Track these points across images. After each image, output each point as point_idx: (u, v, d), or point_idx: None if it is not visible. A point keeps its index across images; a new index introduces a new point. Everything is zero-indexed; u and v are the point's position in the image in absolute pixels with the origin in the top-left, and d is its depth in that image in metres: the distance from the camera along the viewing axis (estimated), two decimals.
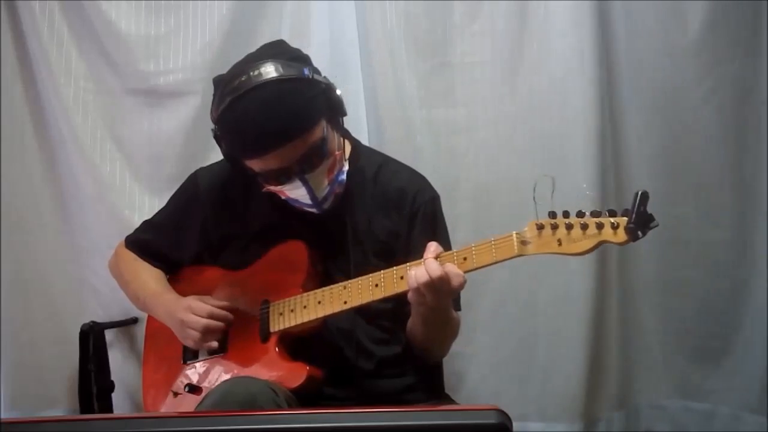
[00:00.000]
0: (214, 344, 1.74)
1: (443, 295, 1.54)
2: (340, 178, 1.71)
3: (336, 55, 2.24)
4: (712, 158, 2.21)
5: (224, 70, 2.29)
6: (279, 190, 1.68)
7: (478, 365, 2.28)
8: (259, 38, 2.21)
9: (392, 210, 1.77)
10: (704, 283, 2.25)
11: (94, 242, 2.29)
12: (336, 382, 1.69)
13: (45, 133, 2.31)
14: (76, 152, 2.28)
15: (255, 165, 1.65)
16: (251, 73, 1.61)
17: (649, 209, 2.16)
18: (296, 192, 1.67)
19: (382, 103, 2.26)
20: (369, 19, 2.25)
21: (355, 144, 1.84)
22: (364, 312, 1.72)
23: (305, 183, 1.64)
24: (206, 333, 1.72)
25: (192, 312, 1.74)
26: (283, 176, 1.64)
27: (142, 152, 2.31)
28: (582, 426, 2.26)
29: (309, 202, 1.68)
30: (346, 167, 1.73)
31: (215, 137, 1.70)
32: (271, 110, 1.60)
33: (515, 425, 1.05)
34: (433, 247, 1.54)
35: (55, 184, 2.32)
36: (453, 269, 1.51)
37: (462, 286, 1.52)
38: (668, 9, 2.18)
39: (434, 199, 1.81)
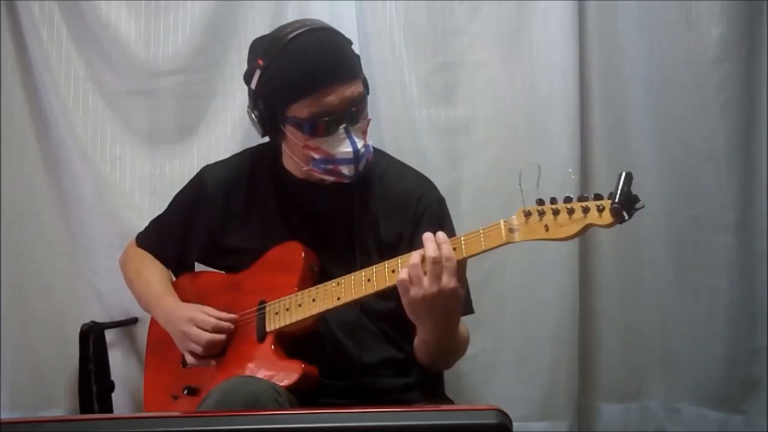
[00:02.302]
0: (212, 363, 1.74)
1: (438, 289, 1.48)
2: (370, 148, 1.73)
3: None
4: (720, 159, 2.20)
5: (225, 70, 2.31)
6: (317, 147, 1.67)
7: (478, 366, 2.28)
8: None
9: (397, 212, 1.77)
10: (717, 286, 2.23)
11: (94, 242, 2.29)
12: (335, 379, 1.69)
13: (45, 133, 2.30)
14: (76, 152, 2.28)
15: (307, 106, 1.65)
16: (306, 23, 1.70)
17: (660, 210, 2.18)
18: (338, 147, 1.67)
19: (382, 103, 2.26)
20: (369, 19, 2.25)
21: None
22: (366, 312, 1.72)
23: (349, 134, 1.66)
24: (209, 347, 1.72)
25: (195, 325, 1.73)
26: (332, 123, 1.65)
27: (142, 152, 2.31)
28: (583, 426, 2.26)
29: (349, 156, 1.67)
30: (371, 143, 1.74)
31: (254, 94, 1.69)
32: (335, 46, 1.69)
33: (517, 425, 1.05)
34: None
35: (55, 184, 2.32)
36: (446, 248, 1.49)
37: (453, 268, 1.48)
38: (672, 8, 2.18)
39: (440, 201, 1.82)
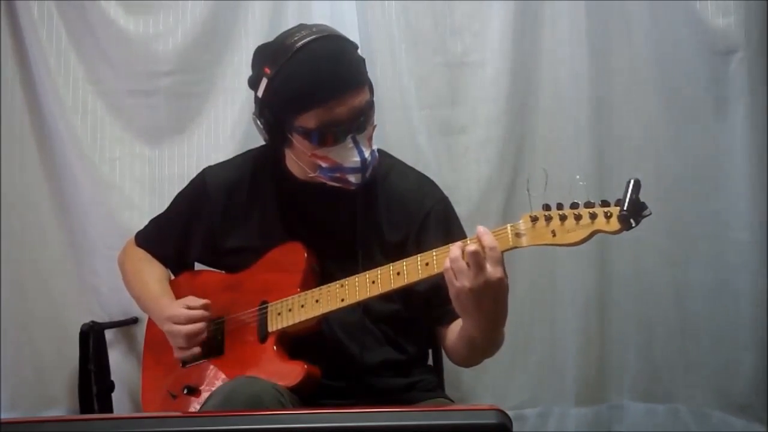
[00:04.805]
0: (196, 350, 1.73)
1: (483, 278, 1.44)
2: (375, 154, 1.72)
3: None
4: (727, 156, 2.19)
5: (225, 70, 2.31)
6: (325, 156, 1.67)
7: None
8: (260, 39, 2.21)
9: (401, 213, 1.76)
10: (720, 284, 2.22)
11: (93, 242, 2.29)
12: (336, 379, 1.69)
13: (44, 133, 2.31)
14: (76, 152, 2.28)
15: (316, 117, 1.63)
16: (313, 30, 1.67)
17: (658, 207, 2.17)
18: (346, 156, 1.66)
19: (382, 103, 2.25)
20: (370, 20, 2.25)
21: None
22: (369, 313, 1.72)
23: (356, 143, 1.65)
24: (189, 339, 1.73)
25: (173, 322, 1.74)
26: (341, 133, 1.64)
27: (142, 152, 2.31)
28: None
29: (357, 165, 1.66)
30: (375, 147, 1.73)
31: (260, 102, 1.68)
32: (344, 56, 1.66)
33: (513, 413, 1.05)
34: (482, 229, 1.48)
35: (55, 184, 2.32)
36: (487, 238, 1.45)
37: (497, 258, 1.43)
38: (672, 6, 2.18)
39: (444, 201, 1.81)
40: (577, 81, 2.24)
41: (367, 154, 1.67)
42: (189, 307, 1.74)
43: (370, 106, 1.68)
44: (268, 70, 1.66)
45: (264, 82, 1.67)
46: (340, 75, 1.63)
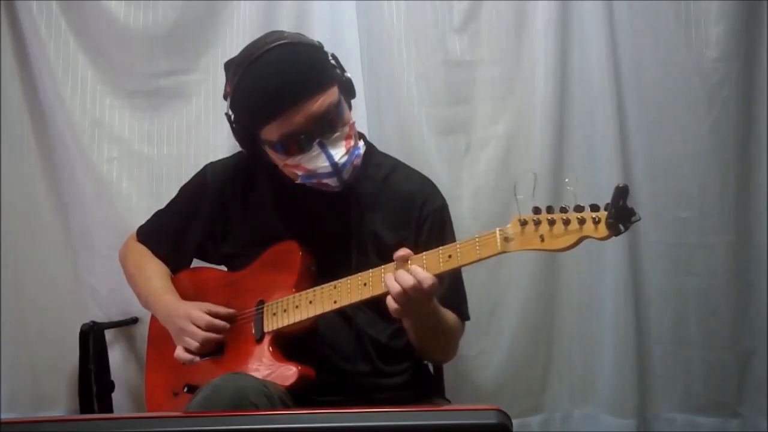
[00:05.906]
0: (197, 360, 1.73)
1: (420, 302, 1.53)
2: (356, 152, 1.70)
3: (337, 55, 2.24)
4: (716, 160, 2.19)
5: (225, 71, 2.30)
6: (297, 164, 1.67)
7: (478, 367, 2.27)
8: None
9: (399, 214, 1.77)
10: (708, 288, 2.22)
11: (92, 242, 2.28)
12: (332, 377, 1.69)
13: (44, 133, 2.30)
14: (76, 152, 2.28)
15: (275, 130, 1.63)
16: (266, 41, 1.65)
17: (652, 211, 2.17)
18: (315, 162, 1.65)
19: (382, 102, 2.26)
20: (369, 19, 2.25)
21: (369, 146, 1.83)
22: (365, 312, 1.72)
23: (324, 148, 1.63)
24: (204, 344, 1.72)
25: (191, 321, 1.73)
26: (305, 141, 1.63)
27: (142, 152, 2.30)
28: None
29: (329, 170, 1.65)
30: (361, 144, 1.73)
31: (230, 118, 1.70)
32: (293, 65, 1.63)
33: (516, 422, 1.05)
34: (401, 253, 1.54)
35: (55, 184, 2.32)
36: (421, 273, 1.51)
37: (433, 287, 1.51)
38: (671, 7, 2.18)
39: (443, 207, 1.81)
40: (578, 81, 2.23)
41: (338, 156, 1.65)
42: (210, 313, 1.74)
43: (335, 107, 1.65)
44: (229, 89, 1.67)
45: (228, 100, 1.69)
46: (292, 85, 1.61)
